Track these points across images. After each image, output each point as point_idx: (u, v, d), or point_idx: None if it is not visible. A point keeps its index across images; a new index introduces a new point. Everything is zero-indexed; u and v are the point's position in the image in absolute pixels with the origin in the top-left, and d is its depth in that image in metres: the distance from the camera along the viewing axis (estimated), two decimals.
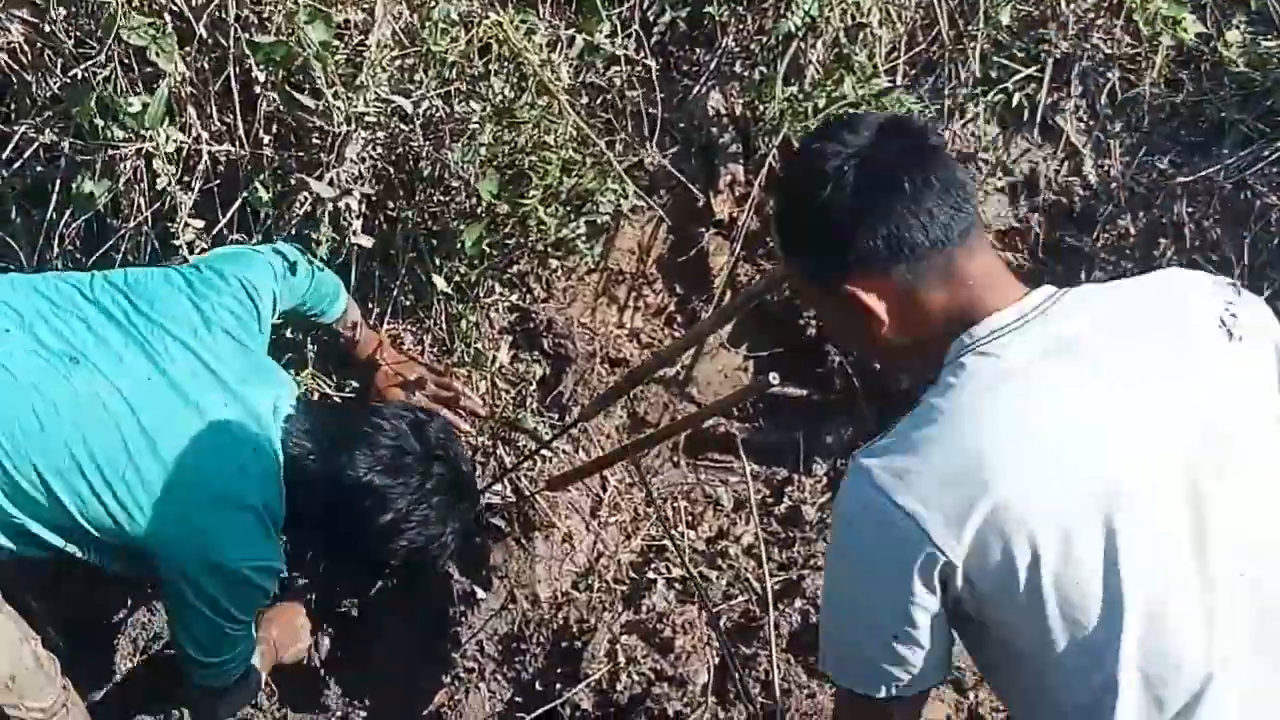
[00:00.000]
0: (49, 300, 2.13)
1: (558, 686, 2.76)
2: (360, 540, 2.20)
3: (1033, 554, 1.41)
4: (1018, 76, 2.88)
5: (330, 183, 2.57)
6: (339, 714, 2.83)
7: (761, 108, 2.85)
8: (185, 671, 2.31)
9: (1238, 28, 2.89)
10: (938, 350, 1.53)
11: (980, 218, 1.58)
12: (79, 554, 2.09)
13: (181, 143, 2.54)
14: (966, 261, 1.51)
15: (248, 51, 2.47)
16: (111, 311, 2.12)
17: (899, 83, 2.84)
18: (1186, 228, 2.82)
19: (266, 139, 2.61)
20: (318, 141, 2.64)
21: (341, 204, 2.60)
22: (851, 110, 2.72)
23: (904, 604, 1.46)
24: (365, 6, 2.56)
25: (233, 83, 2.52)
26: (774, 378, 2.53)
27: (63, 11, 2.48)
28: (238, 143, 2.60)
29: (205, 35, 2.50)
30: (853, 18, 2.82)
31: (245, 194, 2.60)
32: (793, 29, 2.77)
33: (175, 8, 2.47)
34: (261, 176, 2.61)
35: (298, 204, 2.64)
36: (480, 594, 2.81)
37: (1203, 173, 2.82)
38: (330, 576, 2.79)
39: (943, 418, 1.47)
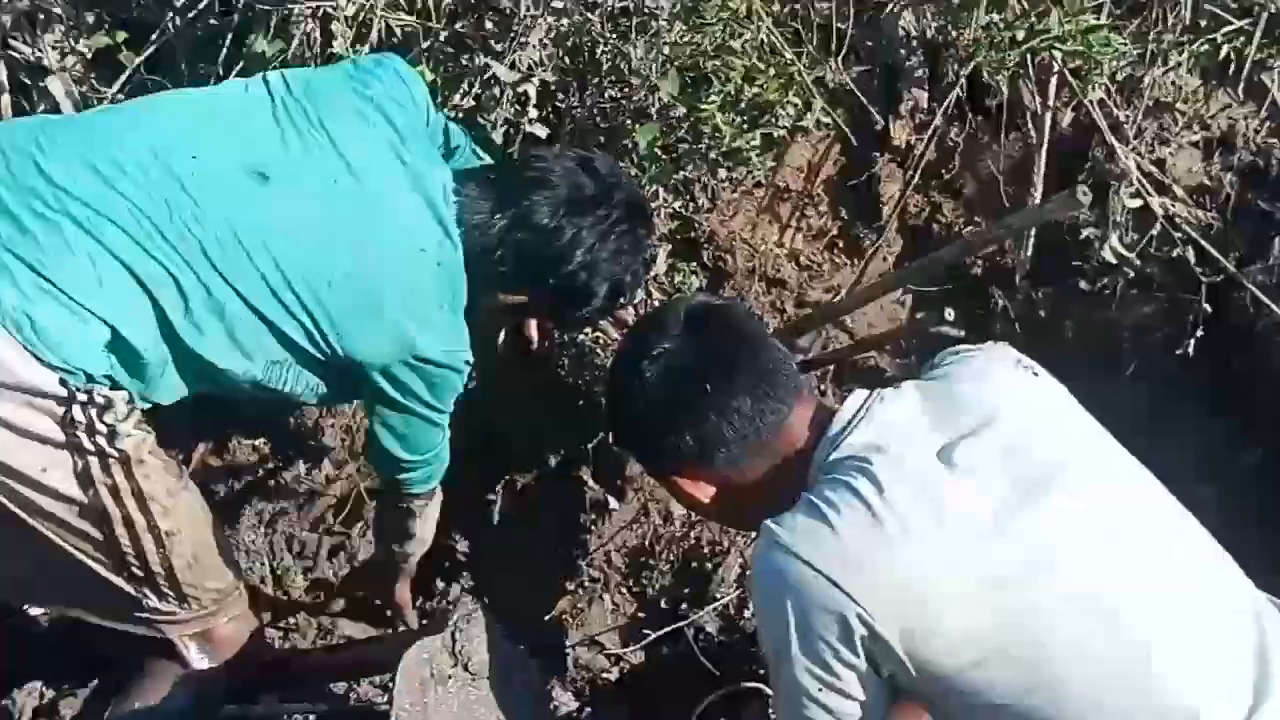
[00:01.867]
0: (227, 120, 2.04)
1: (683, 606, 2.71)
2: (561, 286, 2.13)
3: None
4: (1228, 28, 2.72)
5: (512, 66, 2.48)
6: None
7: (955, 33, 2.72)
8: (390, 486, 2.32)
9: None
10: (797, 478, 1.55)
11: (798, 382, 1.63)
12: (279, 385, 2.05)
13: (361, 5, 2.45)
14: (786, 434, 1.59)
15: None
16: (293, 118, 2.03)
17: (1104, 21, 2.69)
18: None
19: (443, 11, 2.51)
20: (493, 25, 2.55)
21: (519, 89, 2.51)
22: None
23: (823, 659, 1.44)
24: None
25: None
26: (950, 314, 2.44)
27: None
28: (415, 12, 2.50)
29: None
30: None
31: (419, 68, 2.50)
32: None
33: None
34: (433, 50, 2.52)
35: (465, 84, 2.55)
36: (613, 504, 2.76)
37: None
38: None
39: (850, 495, 1.45)
